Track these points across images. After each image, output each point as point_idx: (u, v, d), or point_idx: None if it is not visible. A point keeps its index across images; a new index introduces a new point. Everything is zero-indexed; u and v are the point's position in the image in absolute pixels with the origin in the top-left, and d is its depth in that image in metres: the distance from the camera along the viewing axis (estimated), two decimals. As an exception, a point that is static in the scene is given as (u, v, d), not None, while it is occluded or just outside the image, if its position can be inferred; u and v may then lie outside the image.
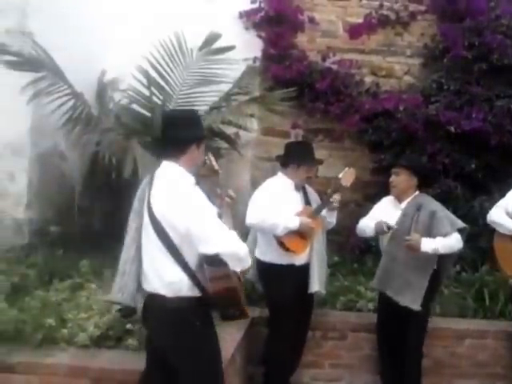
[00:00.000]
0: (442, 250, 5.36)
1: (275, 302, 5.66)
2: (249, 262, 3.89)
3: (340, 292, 6.60)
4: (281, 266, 5.57)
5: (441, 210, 5.58)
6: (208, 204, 3.81)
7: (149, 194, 3.92)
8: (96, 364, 4.59)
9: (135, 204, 4.03)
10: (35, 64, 6.27)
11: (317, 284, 5.64)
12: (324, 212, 5.74)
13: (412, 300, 5.42)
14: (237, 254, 3.72)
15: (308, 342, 5.98)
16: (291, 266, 5.59)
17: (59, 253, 6.57)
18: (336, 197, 5.62)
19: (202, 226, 3.68)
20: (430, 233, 5.38)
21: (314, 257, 5.70)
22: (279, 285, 5.54)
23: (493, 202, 6.98)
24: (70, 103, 6.45)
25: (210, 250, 3.65)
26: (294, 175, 5.75)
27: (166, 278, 3.78)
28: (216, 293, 3.71)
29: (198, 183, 3.99)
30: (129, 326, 4.85)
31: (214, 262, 3.68)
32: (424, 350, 5.82)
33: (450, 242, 5.39)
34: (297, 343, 5.85)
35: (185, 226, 3.69)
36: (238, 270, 3.78)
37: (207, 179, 4.38)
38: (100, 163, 6.18)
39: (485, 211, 6.87)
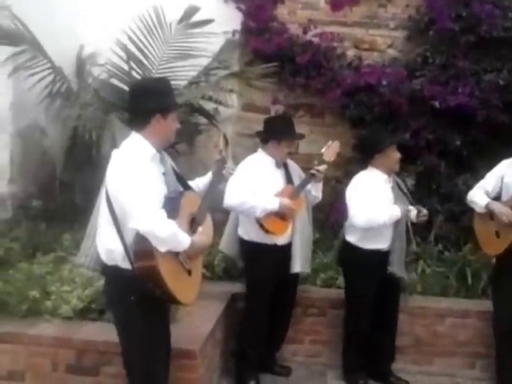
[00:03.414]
0: None
1: (253, 281, 6.06)
2: (181, 243, 4.05)
3: (320, 269, 7.00)
4: (263, 245, 5.90)
5: None
6: (147, 181, 4.00)
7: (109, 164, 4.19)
8: (80, 335, 5.15)
9: (106, 173, 4.22)
10: (15, 38, 6.70)
11: (298, 264, 5.98)
12: (309, 186, 6.05)
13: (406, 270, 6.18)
14: (153, 233, 3.91)
15: (289, 317, 6.41)
16: (273, 246, 5.92)
17: (42, 227, 7.19)
18: (320, 169, 5.92)
19: (131, 200, 3.92)
20: None
21: (296, 237, 6.00)
22: (259, 264, 5.91)
23: (477, 179, 7.26)
24: (50, 78, 6.94)
25: (131, 224, 3.94)
26: (274, 151, 6.02)
27: (105, 245, 4.13)
28: (137, 268, 3.99)
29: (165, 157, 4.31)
30: (111, 299, 5.35)
31: (139, 238, 3.97)
32: (405, 328, 6.46)
33: None
34: (280, 322, 6.27)
35: (121, 199, 3.98)
36: (162, 250, 3.95)
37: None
38: (80, 138, 6.58)
39: (469, 189, 7.16)
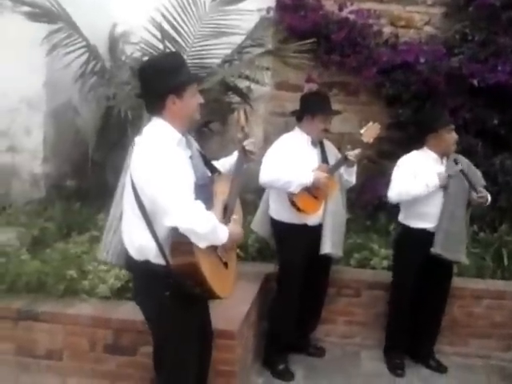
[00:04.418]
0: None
1: (285, 260, 6.18)
2: (220, 237, 3.98)
3: (353, 249, 7.13)
4: (293, 225, 6.00)
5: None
6: (179, 171, 3.89)
7: (132, 153, 4.08)
8: (118, 315, 5.34)
9: (127, 159, 4.17)
10: (52, 15, 6.89)
11: (328, 245, 6.05)
12: (342, 170, 6.14)
13: (464, 254, 6.23)
14: (193, 230, 3.81)
15: (322, 298, 6.52)
16: (303, 226, 6.01)
17: (76, 206, 7.42)
18: (354, 153, 5.97)
19: (164, 196, 3.81)
20: None
21: (327, 217, 6.07)
22: (290, 244, 6.04)
23: None
24: (85, 57, 7.12)
25: (168, 222, 3.84)
26: (309, 128, 6.04)
27: (136, 242, 4.04)
28: (176, 266, 3.92)
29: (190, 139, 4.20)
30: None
31: (177, 235, 3.87)
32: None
33: None
34: (314, 304, 6.44)
35: (151, 194, 3.86)
36: (202, 246, 3.87)
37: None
38: (114, 117, 6.78)
39: (506, 169, 7.53)
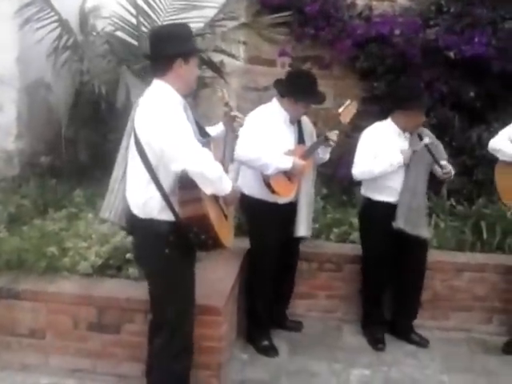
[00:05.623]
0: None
1: (257, 239, 6.26)
2: (224, 187, 4.34)
3: (333, 224, 7.24)
4: (264, 202, 6.03)
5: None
6: (184, 124, 4.17)
7: (135, 113, 4.35)
8: (101, 292, 5.39)
9: (128, 123, 4.46)
10: (24, -12, 6.88)
11: (303, 229, 6.20)
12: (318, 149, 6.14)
13: (426, 229, 6.36)
14: (202, 173, 4.10)
15: (303, 273, 6.73)
16: (275, 205, 6.03)
17: (51, 183, 7.45)
18: (333, 135, 5.97)
19: (172, 144, 4.08)
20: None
21: (301, 199, 6.18)
22: (262, 222, 6.09)
23: (491, 132, 7.40)
24: (57, 31, 7.13)
25: (177, 167, 4.11)
26: (290, 108, 5.99)
27: (140, 198, 4.32)
28: (186, 217, 4.20)
29: (191, 102, 4.47)
30: (128, 255, 5.53)
31: (185, 183, 4.17)
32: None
33: None
34: (285, 281, 6.50)
35: (159, 146, 4.12)
36: (209, 192, 4.20)
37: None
38: (86, 93, 6.85)
39: (482, 142, 7.57)
